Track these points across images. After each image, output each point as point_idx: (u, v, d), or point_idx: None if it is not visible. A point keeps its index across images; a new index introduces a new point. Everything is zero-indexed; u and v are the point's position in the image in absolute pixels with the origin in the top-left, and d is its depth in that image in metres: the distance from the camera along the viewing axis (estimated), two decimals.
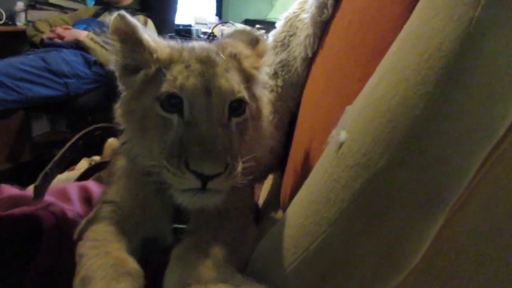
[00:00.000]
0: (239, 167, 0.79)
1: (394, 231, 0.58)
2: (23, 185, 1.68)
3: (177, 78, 0.79)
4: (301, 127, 1.08)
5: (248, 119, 0.84)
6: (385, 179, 0.56)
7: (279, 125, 1.18)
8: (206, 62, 0.82)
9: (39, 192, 0.87)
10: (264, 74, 0.95)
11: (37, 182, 0.87)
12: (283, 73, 1.18)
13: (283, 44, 1.21)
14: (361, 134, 0.60)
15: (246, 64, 0.89)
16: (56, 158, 0.92)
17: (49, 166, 0.91)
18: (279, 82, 1.17)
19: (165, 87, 0.79)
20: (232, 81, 0.81)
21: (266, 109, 0.97)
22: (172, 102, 0.79)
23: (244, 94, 0.83)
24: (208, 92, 0.78)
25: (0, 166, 3.68)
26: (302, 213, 0.68)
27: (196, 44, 0.91)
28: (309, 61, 1.15)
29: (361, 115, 0.62)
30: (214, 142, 0.73)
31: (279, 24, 1.28)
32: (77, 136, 0.96)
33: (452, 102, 0.54)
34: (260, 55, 0.93)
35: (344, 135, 0.63)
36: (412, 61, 0.57)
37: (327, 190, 0.64)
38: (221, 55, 0.86)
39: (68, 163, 1.01)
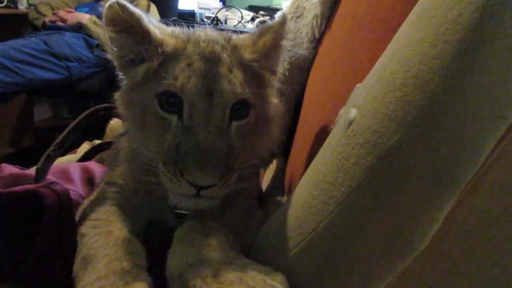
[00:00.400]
0: (235, 175, 0.77)
1: (404, 211, 0.56)
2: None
3: (178, 78, 0.75)
4: (307, 110, 1.06)
5: (251, 122, 0.81)
6: (397, 157, 0.54)
7: (285, 109, 1.16)
8: (210, 60, 0.78)
9: (41, 174, 0.85)
10: (271, 73, 0.88)
11: (39, 164, 0.85)
12: (289, 55, 1.16)
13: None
14: (372, 111, 0.58)
15: (247, 56, 0.83)
16: (58, 138, 0.91)
17: (52, 147, 0.89)
18: (286, 65, 1.14)
19: (165, 86, 0.76)
20: (235, 82, 0.77)
21: (276, 111, 0.92)
22: (172, 102, 0.76)
23: (248, 95, 0.78)
24: (209, 95, 0.75)
25: (2, 151, 3.68)
26: (309, 194, 0.67)
27: (202, 33, 0.87)
28: (316, 43, 1.13)
29: (372, 91, 0.60)
30: (210, 154, 0.71)
31: (285, 6, 1.25)
32: (80, 117, 0.95)
33: (469, 76, 0.52)
34: (264, 46, 0.84)
35: (354, 112, 0.62)
36: (428, 35, 0.54)
37: (335, 169, 0.62)
38: (226, 49, 0.82)
39: (70, 145, 0.99)
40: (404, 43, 0.58)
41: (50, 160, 0.87)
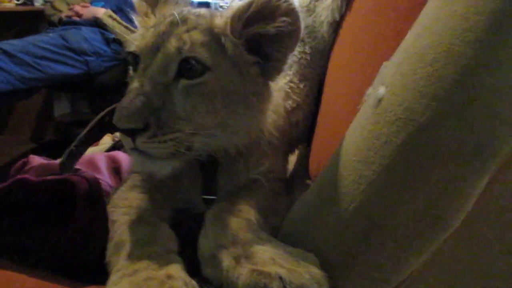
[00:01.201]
0: (177, 134, 0.74)
1: (437, 188, 0.55)
2: None
3: (139, 38, 0.81)
4: (330, 94, 1.05)
5: (208, 86, 0.77)
6: (429, 133, 0.54)
7: (310, 93, 1.15)
8: (174, 23, 0.80)
9: (65, 169, 0.86)
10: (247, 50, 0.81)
11: (63, 158, 0.87)
12: (309, 40, 1.15)
13: (309, 9, 1.18)
14: (401, 88, 0.57)
15: (216, 21, 0.81)
16: (81, 135, 0.91)
17: (74, 143, 0.90)
18: (307, 49, 1.14)
19: (128, 46, 0.83)
20: (187, 40, 0.76)
21: (267, 98, 0.88)
22: (137, 62, 0.81)
23: (202, 55, 0.76)
24: (156, 51, 0.77)
25: (24, 146, 3.75)
26: (339, 174, 0.66)
27: (199, 10, 0.89)
28: (336, 26, 1.11)
29: (401, 68, 0.59)
30: (132, 99, 0.71)
31: None
32: (102, 113, 0.95)
33: (503, 49, 0.50)
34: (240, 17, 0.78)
35: (383, 90, 0.61)
36: (458, 8, 0.53)
37: (365, 147, 0.61)
38: (203, 17, 0.83)
39: (94, 140, 0.99)
40: (433, 18, 0.57)
41: (73, 156, 0.88)
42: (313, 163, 1.07)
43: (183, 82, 0.76)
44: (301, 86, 1.15)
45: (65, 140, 4.07)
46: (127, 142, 0.73)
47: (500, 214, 0.66)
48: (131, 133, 0.71)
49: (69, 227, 0.73)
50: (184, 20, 0.80)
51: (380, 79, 0.64)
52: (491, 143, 0.53)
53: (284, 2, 0.75)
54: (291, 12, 0.76)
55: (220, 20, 0.81)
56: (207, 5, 3.40)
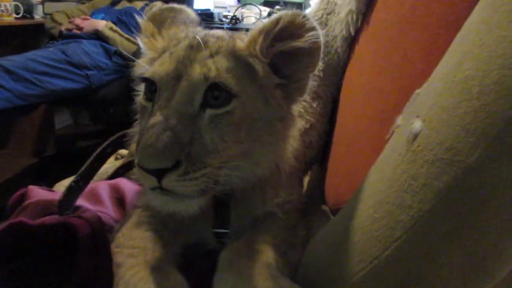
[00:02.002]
0: (209, 169, 0.67)
1: (489, 237, 0.49)
2: (50, 179, 1.64)
3: (154, 65, 0.74)
4: (347, 114, 0.99)
5: (235, 115, 0.71)
6: (479, 176, 0.47)
7: (323, 112, 1.09)
8: (194, 47, 0.73)
9: (64, 207, 0.78)
10: (272, 72, 0.76)
11: (61, 197, 0.78)
12: (322, 55, 1.08)
13: (321, 23, 1.11)
14: (443, 123, 0.51)
15: (239, 43, 0.76)
16: (82, 168, 0.83)
17: (74, 178, 0.82)
18: (320, 66, 1.07)
19: (141, 72, 0.76)
20: (211, 66, 0.70)
21: (289, 123, 0.83)
22: (152, 90, 0.74)
23: (228, 81, 0.70)
24: (178, 77, 0.70)
25: (25, 161, 3.69)
26: (369, 215, 0.60)
27: (216, 32, 0.83)
28: (351, 40, 1.05)
29: (441, 100, 0.52)
30: (161, 135, 0.63)
31: (314, 2, 1.17)
32: (104, 144, 0.89)
33: None
34: (264, 38, 0.74)
35: (419, 124, 0.54)
36: (509, 32, 0.47)
37: (400, 189, 0.55)
38: (223, 39, 0.77)
39: (95, 173, 0.92)
40: (477, 44, 0.50)
41: (73, 192, 0.81)
42: (330, 188, 1.00)
43: (209, 112, 0.70)
44: (314, 105, 1.09)
45: (67, 154, 4.01)
46: (150, 182, 0.65)
47: None
48: (159, 173, 0.64)
49: (71, 274, 0.66)
50: (205, 43, 0.74)
51: (414, 110, 0.57)
52: None
53: (308, 19, 0.72)
54: (313, 29, 0.73)
55: (242, 42, 0.76)
56: (210, 15, 3.36)
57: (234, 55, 0.74)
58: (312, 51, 0.76)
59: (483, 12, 0.53)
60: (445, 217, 0.50)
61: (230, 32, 0.85)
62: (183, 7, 0.95)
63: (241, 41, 0.77)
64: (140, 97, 0.79)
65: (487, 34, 0.49)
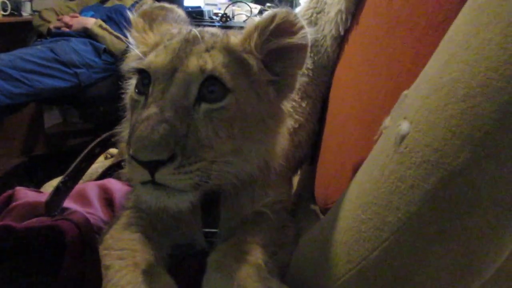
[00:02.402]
0: (203, 163, 0.67)
1: (474, 238, 0.49)
2: (39, 178, 1.62)
3: (149, 56, 0.74)
4: (337, 113, 0.99)
5: (230, 111, 0.72)
6: (465, 178, 0.47)
7: (312, 112, 1.09)
8: (190, 41, 0.75)
9: (51, 208, 0.78)
10: (267, 70, 0.79)
11: (48, 198, 0.78)
12: (312, 55, 1.08)
13: (310, 22, 1.11)
14: (430, 125, 0.51)
15: (233, 39, 0.78)
16: (69, 169, 0.83)
17: (62, 178, 0.81)
18: (309, 65, 1.07)
19: (136, 61, 0.77)
20: (207, 59, 0.71)
21: (280, 120, 0.84)
22: (145, 83, 0.74)
23: (224, 75, 0.71)
24: (173, 70, 0.70)
25: (14, 160, 3.65)
26: (356, 216, 0.60)
27: (209, 29, 0.84)
28: (341, 40, 1.05)
29: (428, 102, 0.52)
30: (156, 126, 0.62)
31: (304, 0, 1.17)
32: (92, 145, 0.88)
33: None
34: (258, 36, 0.77)
35: (407, 126, 0.54)
36: (494, 36, 0.47)
37: (388, 190, 0.55)
38: (217, 36, 0.79)
39: (83, 174, 0.91)
40: (463, 46, 0.50)
41: (61, 192, 0.80)
42: (319, 188, 1.00)
43: (205, 106, 0.70)
44: (303, 104, 1.09)
45: (57, 152, 3.97)
46: (142, 176, 0.64)
47: None
48: (153, 165, 0.63)
49: (58, 276, 0.66)
50: (201, 38, 0.76)
51: (402, 112, 0.58)
52: None
53: (298, 17, 0.76)
54: (303, 28, 0.77)
55: (237, 39, 0.78)
56: (200, 13, 3.34)
57: (229, 51, 0.75)
58: (301, 48, 0.78)
59: (470, 14, 0.53)
60: (432, 219, 0.50)
61: (223, 30, 0.86)
62: (174, 6, 0.96)
63: (235, 37, 0.79)
64: (130, 91, 0.79)
65: (474, 36, 0.50)
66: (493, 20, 0.48)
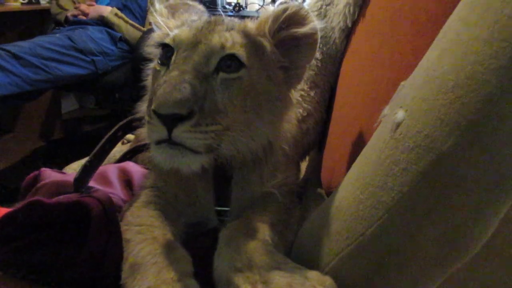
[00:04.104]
0: (218, 126, 0.73)
1: (459, 217, 0.54)
2: (58, 162, 1.70)
3: (175, 31, 0.82)
4: (343, 102, 1.04)
5: (244, 83, 0.79)
6: (451, 162, 0.52)
7: (320, 101, 1.14)
8: (212, 22, 0.83)
9: (80, 185, 0.85)
10: (274, 52, 0.86)
11: (77, 175, 0.85)
12: (320, 46, 1.13)
13: (319, 14, 1.15)
14: (422, 113, 0.56)
15: (250, 24, 0.87)
16: (95, 150, 0.90)
17: (88, 158, 0.89)
18: (318, 55, 1.12)
19: (160, 38, 0.86)
20: (228, 37, 0.79)
21: (287, 105, 0.90)
22: (168, 55, 0.81)
23: (242, 53, 0.79)
24: (197, 44, 0.77)
25: (33, 145, 3.77)
26: (356, 197, 0.65)
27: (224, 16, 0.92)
28: (348, 32, 1.09)
29: (422, 92, 0.57)
30: (175, 85, 0.68)
31: None
32: (115, 128, 0.94)
33: None
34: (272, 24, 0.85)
35: (402, 114, 0.59)
36: (482, 32, 0.51)
37: (384, 173, 0.60)
38: (235, 21, 0.88)
39: (107, 154, 0.98)
40: (454, 41, 0.55)
41: (87, 171, 0.87)
42: (325, 172, 1.06)
43: (222, 75, 0.77)
44: (312, 93, 1.14)
45: (74, 137, 4.07)
46: (159, 133, 0.69)
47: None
48: (173, 120, 0.68)
49: (82, 249, 0.72)
50: (222, 21, 0.85)
51: (399, 101, 0.62)
52: None
53: (309, 13, 0.84)
54: (313, 22, 0.84)
55: (253, 24, 0.88)
56: (213, 2, 3.37)
57: (246, 33, 0.84)
58: (311, 42, 0.86)
59: (462, 11, 0.57)
60: (422, 198, 0.55)
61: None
62: (196, 3, 1.03)
63: (252, 23, 0.88)
64: (154, 64, 0.88)
65: (464, 32, 0.54)
66: (481, 17, 0.52)
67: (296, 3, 0.86)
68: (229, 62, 0.78)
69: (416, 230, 0.57)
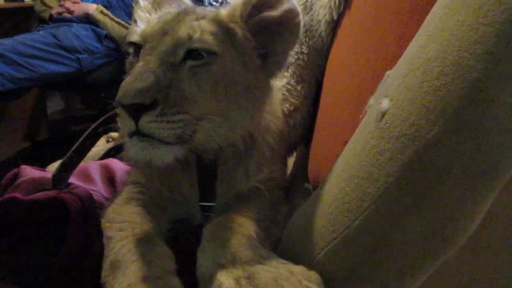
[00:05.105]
0: (185, 115, 0.72)
1: (446, 207, 0.53)
2: (42, 163, 1.67)
3: (141, 27, 0.82)
4: (329, 95, 1.03)
5: (212, 67, 0.77)
6: (437, 150, 0.51)
7: (307, 95, 1.12)
8: (181, 13, 0.82)
9: (58, 181, 0.83)
10: (252, 40, 0.84)
11: (55, 171, 0.83)
12: (306, 39, 1.11)
13: (306, 7, 1.14)
14: (407, 102, 0.55)
15: (222, 12, 0.84)
16: (75, 146, 0.87)
17: (68, 154, 0.86)
18: (304, 49, 1.10)
19: (130, 37, 0.85)
20: (196, 28, 0.77)
21: (266, 95, 0.89)
22: (138, 52, 0.80)
23: (211, 45, 0.77)
24: (164, 34, 0.76)
25: (18, 145, 3.71)
26: (341, 189, 0.64)
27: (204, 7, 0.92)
28: (334, 25, 1.08)
29: (406, 80, 0.56)
30: (138, 75, 0.67)
31: None
32: (96, 123, 0.92)
33: None
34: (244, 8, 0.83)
35: (387, 103, 0.58)
36: (466, 18, 0.50)
37: (369, 163, 0.59)
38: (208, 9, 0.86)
39: (87, 151, 0.96)
40: (439, 27, 0.54)
41: (67, 167, 0.84)
42: (312, 167, 1.04)
43: (190, 62, 0.76)
44: (299, 88, 1.13)
45: (59, 138, 4.01)
46: (128, 125, 0.69)
47: (507, 224, 0.65)
48: (137, 111, 0.67)
49: (61, 250, 0.70)
50: (193, 11, 0.83)
51: (384, 91, 0.61)
52: (501, 161, 0.50)
53: None
54: (292, 6, 0.81)
55: (226, 11, 0.85)
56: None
57: (217, 21, 0.82)
58: (292, 27, 0.84)
59: None
60: (408, 189, 0.54)
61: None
62: None
63: (224, 10, 0.85)
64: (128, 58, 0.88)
65: (448, 18, 0.53)
66: (465, 3, 0.51)
67: None
68: (198, 54, 0.76)
69: (402, 222, 0.56)
